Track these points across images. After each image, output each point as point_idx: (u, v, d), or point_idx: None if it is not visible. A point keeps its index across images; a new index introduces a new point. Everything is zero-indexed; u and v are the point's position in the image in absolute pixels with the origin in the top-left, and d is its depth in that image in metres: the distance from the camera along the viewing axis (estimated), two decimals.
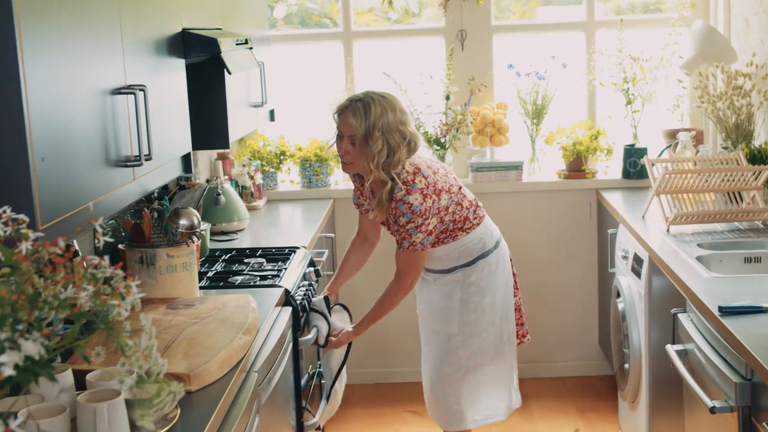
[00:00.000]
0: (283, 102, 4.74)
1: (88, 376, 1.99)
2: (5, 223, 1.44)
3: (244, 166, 4.52)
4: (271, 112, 4.41)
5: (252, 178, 4.51)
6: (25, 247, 1.36)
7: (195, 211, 2.88)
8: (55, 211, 1.84)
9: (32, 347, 1.20)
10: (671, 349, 2.89)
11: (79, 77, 2.00)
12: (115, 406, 1.79)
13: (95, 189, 2.08)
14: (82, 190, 2.00)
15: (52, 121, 1.84)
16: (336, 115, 3.05)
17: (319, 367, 3.38)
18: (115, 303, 1.38)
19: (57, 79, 1.87)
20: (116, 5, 2.24)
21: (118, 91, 2.22)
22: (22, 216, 1.44)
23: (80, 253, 2.64)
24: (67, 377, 1.94)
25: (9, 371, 1.16)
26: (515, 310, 3.29)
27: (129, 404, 1.86)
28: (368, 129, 2.93)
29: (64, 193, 1.90)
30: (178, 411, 2.00)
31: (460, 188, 3.16)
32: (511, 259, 3.31)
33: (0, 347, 1.17)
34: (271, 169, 4.75)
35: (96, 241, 3.07)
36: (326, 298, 3.26)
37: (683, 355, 2.86)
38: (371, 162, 2.95)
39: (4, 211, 1.45)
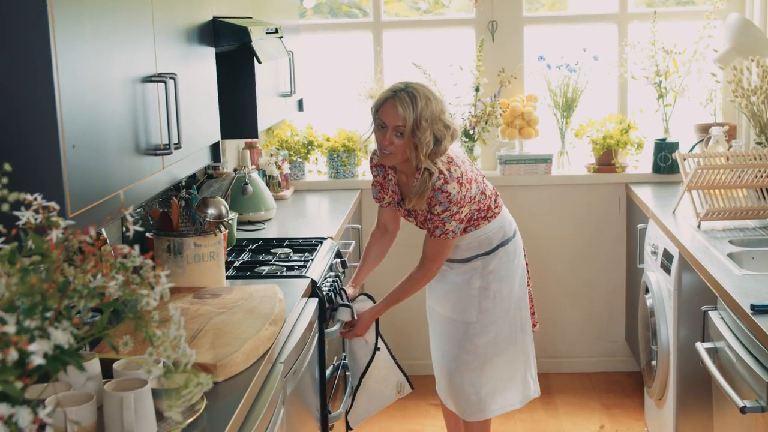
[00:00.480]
0: (311, 92, 4.73)
1: (115, 365, 1.99)
2: (36, 211, 1.43)
3: (271, 155, 4.51)
4: (300, 102, 4.40)
5: (279, 167, 4.50)
6: (55, 235, 1.35)
7: (223, 201, 2.87)
8: (85, 199, 1.84)
9: (62, 336, 1.19)
10: (701, 347, 2.85)
11: (110, 65, 1.99)
12: (141, 396, 1.79)
13: (125, 177, 2.07)
14: (111, 178, 1.99)
15: (83, 109, 1.84)
16: (376, 108, 3.02)
17: (344, 359, 3.37)
18: (144, 293, 1.37)
19: (89, 66, 1.87)
20: None
21: (148, 79, 2.22)
22: (52, 204, 1.44)
23: (108, 242, 2.64)
24: (94, 365, 1.94)
25: (39, 360, 1.15)
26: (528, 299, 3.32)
27: (155, 393, 1.86)
28: (416, 119, 2.91)
29: (94, 181, 1.90)
30: (205, 402, 2.00)
31: (483, 177, 3.20)
32: (524, 249, 3.33)
33: (30, 336, 1.16)
34: (299, 159, 4.74)
35: (124, 229, 3.07)
36: (341, 292, 3.27)
37: (713, 353, 2.82)
38: (420, 152, 2.93)
39: (35, 199, 1.45)
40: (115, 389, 1.83)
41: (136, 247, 1.38)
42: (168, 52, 2.38)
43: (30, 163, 1.72)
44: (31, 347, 1.14)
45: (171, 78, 2.30)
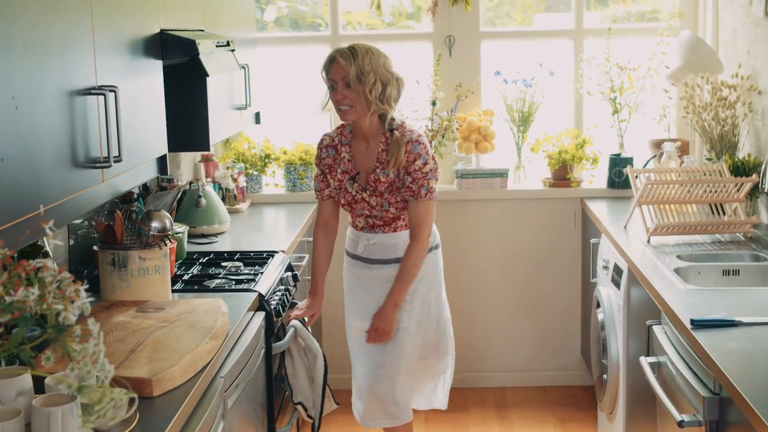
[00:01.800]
0: (270, 105, 4.72)
1: (47, 380, 1.95)
2: None
3: (227, 168, 4.50)
4: (257, 115, 4.39)
5: (235, 180, 4.49)
6: None
7: (167, 214, 2.86)
8: (15, 212, 1.82)
9: None
10: (644, 361, 2.87)
11: (44, 77, 1.98)
12: (69, 411, 1.77)
13: (60, 190, 2.05)
14: (45, 191, 1.98)
15: (12, 122, 1.82)
16: (324, 71, 3.16)
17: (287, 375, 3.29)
18: (59, 307, 1.36)
19: (19, 78, 1.85)
20: (87, 6, 2.22)
21: (87, 92, 2.21)
22: None
23: (51, 254, 2.62)
24: (24, 381, 1.91)
25: None
26: None
27: None
28: (359, 67, 3.06)
29: (26, 194, 1.88)
30: (137, 416, 1.98)
31: None
32: None
33: None
34: (255, 172, 4.73)
35: (71, 242, 3.05)
36: (291, 305, 3.35)
37: (656, 367, 2.84)
38: (369, 95, 3.07)
39: None
40: (44, 405, 1.80)
41: (50, 261, 1.37)
42: (110, 64, 2.37)
43: None
44: None
45: (111, 91, 2.29)
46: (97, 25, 2.28)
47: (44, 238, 2.55)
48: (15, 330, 1.43)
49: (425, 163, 3.11)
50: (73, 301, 1.42)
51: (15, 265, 1.32)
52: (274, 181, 4.82)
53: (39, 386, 1.95)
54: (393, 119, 3.16)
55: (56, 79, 2.04)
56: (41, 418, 1.77)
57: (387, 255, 3.24)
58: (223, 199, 4.38)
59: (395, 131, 3.12)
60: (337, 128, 3.32)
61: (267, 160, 4.72)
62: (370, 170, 3.17)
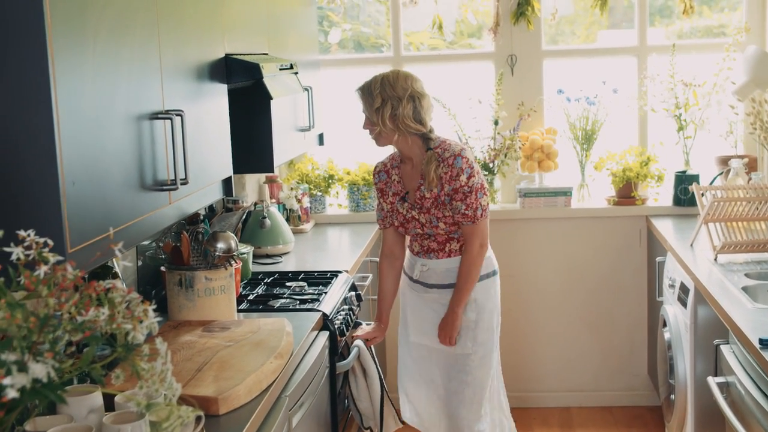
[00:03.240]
0: (334, 126, 4.77)
1: (117, 398, 2.01)
2: (29, 247, 1.47)
3: (291, 189, 4.55)
4: (320, 136, 4.44)
5: (299, 201, 4.54)
6: (43, 271, 1.38)
7: (232, 235, 2.91)
8: (86, 234, 1.87)
9: (40, 370, 1.22)
10: (712, 382, 2.83)
11: (113, 102, 2.03)
12: (138, 429, 1.81)
13: (129, 212, 2.11)
14: (114, 214, 2.03)
15: (84, 146, 1.87)
16: None
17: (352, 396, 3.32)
18: (128, 327, 1.39)
19: (90, 104, 1.91)
20: (155, 33, 2.28)
21: (154, 116, 2.26)
22: (44, 239, 1.47)
23: (120, 275, 2.68)
24: (95, 398, 1.97)
25: (13, 393, 1.18)
26: None
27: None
28: (367, 93, 3.12)
29: (96, 216, 1.93)
30: None
31: None
32: None
33: (6, 369, 1.19)
34: (319, 193, 4.78)
35: (140, 262, 3.12)
36: (355, 325, 3.35)
37: (725, 387, 2.79)
38: (376, 115, 3.09)
39: (28, 235, 1.48)
40: (114, 422, 1.85)
41: (118, 281, 1.41)
42: (176, 88, 2.42)
43: (30, 200, 1.76)
44: (6, 381, 1.17)
45: (177, 115, 2.34)
46: (164, 51, 2.33)
47: (114, 259, 2.63)
48: (86, 349, 1.47)
49: (470, 177, 3.07)
50: (141, 321, 1.46)
51: (86, 285, 1.37)
52: (337, 202, 4.86)
53: (109, 404, 2.01)
54: (430, 139, 3.14)
55: (124, 103, 2.10)
56: None
57: (443, 280, 3.22)
58: (288, 220, 4.44)
59: (432, 150, 3.11)
60: (391, 154, 3.35)
61: (330, 181, 4.77)
62: (415, 188, 3.18)
